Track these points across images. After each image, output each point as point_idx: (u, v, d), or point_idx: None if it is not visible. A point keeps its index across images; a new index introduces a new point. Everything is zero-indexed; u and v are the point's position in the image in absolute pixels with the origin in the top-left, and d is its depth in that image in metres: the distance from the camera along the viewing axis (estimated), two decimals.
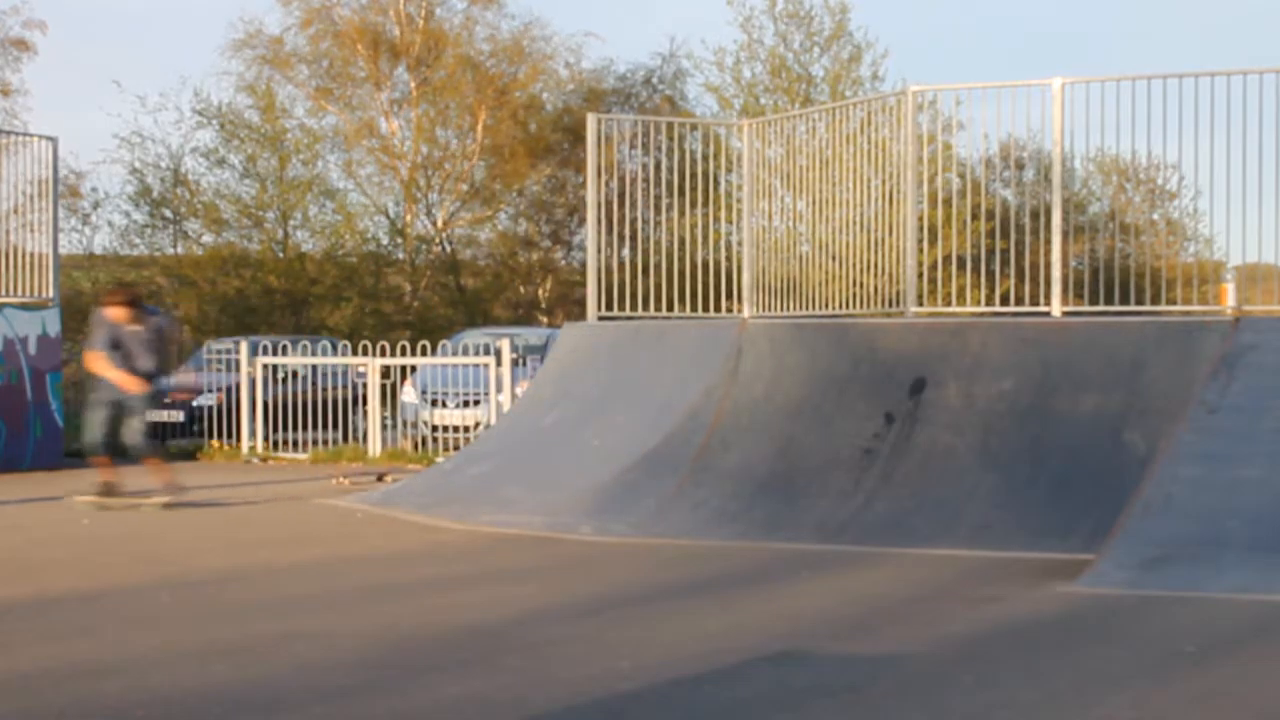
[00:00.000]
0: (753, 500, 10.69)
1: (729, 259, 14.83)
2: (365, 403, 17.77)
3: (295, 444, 17.86)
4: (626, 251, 14.51)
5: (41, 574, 9.06)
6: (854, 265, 13.22)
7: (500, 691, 5.93)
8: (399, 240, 33.85)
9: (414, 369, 18.05)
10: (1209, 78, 11.03)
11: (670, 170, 14.10)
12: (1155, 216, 29.39)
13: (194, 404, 18.70)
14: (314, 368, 18.46)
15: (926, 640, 6.89)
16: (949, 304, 12.94)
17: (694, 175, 14.77)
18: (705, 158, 16.94)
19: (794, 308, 13.35)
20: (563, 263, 35.73)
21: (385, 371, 17.67)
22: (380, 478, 14.63)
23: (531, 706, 5.68)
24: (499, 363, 16.83)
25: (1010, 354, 10.88)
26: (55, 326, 16.84)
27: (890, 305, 12.66)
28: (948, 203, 14.47)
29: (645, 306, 13.74)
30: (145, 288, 31.69)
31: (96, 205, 31.63)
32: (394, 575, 9.03)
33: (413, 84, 33.73)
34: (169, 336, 13.37)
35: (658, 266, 13.96)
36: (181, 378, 17.67)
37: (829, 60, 31.59)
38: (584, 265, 20.57)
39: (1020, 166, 20.26)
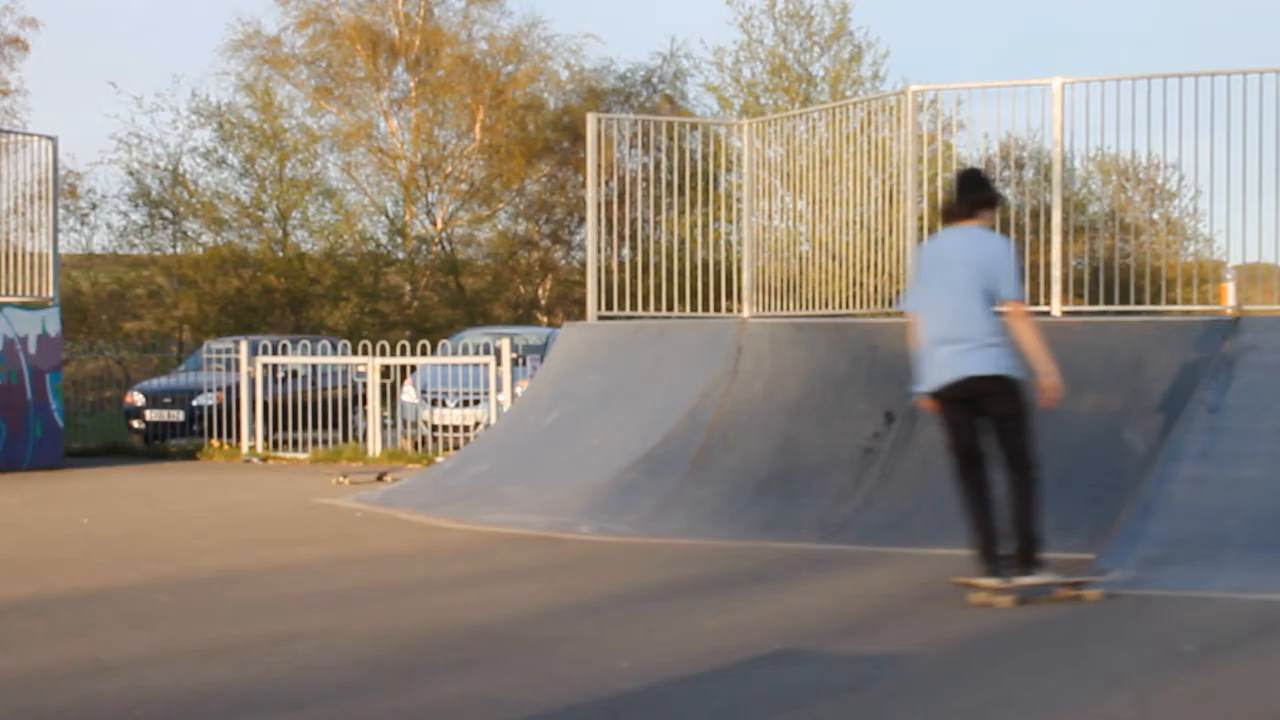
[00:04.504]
0: (753, 500, 10.68)
1: (729, 259, 14.83)
2: (365, 402, 17.77)
3: (295, 444, 17.86)
4: (626, 251, 14.51)
5: (41, 574, 9.06)
6: (854, 265, 13.22)
7: (500, 691, 5.93)
8: (398, 240, 33.85)
9: (414, 369, 18.05)
10: (1209, 78, 11.03)
11: (670, 170, 14.10)
12: (1155, 216, 29.41)
13: (194, 403, 18.73)
14: (314, 367, 18.46)
15: (926, 640, 6.89)
16: None
17: (694, 175, 14.77)
18: (705, 157, 16.95)
19: (794, 307, 13.35)
20: (563, 263, 35.75)
21: (385, 371, 17.67)
22: (380, 477, 14.62)
23: (531, 706, 5.68)
24: (499, 362, 16.83)
25: None
26: (55, 326, 16.84)
27: (890, 305, 12.66)
28: None
29: (645, 306, 13.73)
30: (145, 287, 31.81)
31: (94, 206, 31.67)
32: (394, 575, 9.03)
33: (412, 84, 33.73)
34: None
35: (658, 266, 13.95)
36: None
37: (829, 60, 31.63)
38: (584, 265, 20.57)
39: (1020, 166, 20.26)
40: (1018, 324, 7.72)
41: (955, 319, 7.66)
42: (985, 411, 7.70)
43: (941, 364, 7.70)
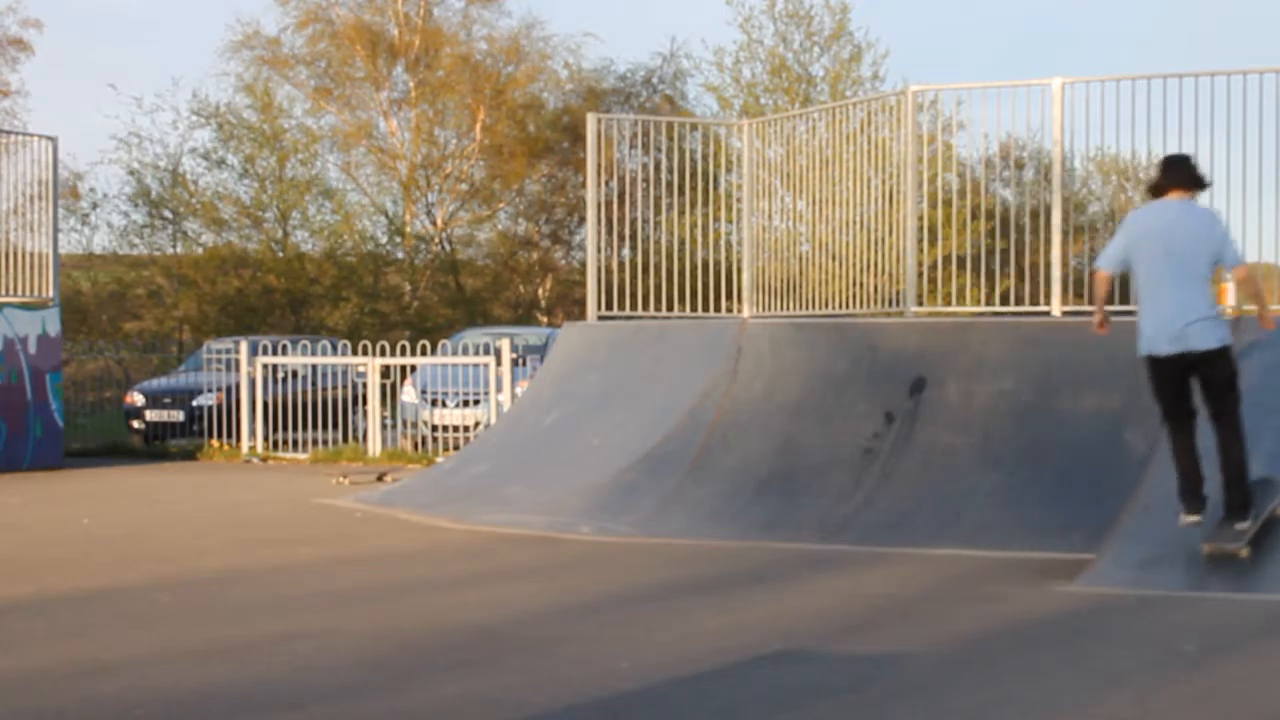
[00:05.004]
0: (753, 500, 10.68)
1: (729, 259, 14.82)
2: (365, 403, 17.77)
3: (295, 444, 17.86)
4: (626, 251, 14.51)
5: (41, 574, 9.06)
6: (854, 265, 13.21)
7: (500, 691, 5.93)
8: (398, 240, 33.83)
9: (414, 369, 18.05)
10: (1209, 78, 11.03)
11: (670, 170, 14.10)
12: None
13: (194, 404, 18.72)
14: (314, 368, 18.46)
15: (927, 640, 6.89)
16: (949, 304, 12.93)
17: (694, 175, 14.76)
18: (705, 157, 16.94)
19: (794, 307, 13.34)
20: (563, 263, 35.74)
21: (385, 371, 17.66)
22: (380, 478, 14.62)
23: (531, 706, 5.68)
24: (499, 363, 16.83)
25: (1010, 353, 10.87)
26: (55, 326, 16.84)
27: (890, 305, 12.66)
28: (948, 203, 14.48)
29: (645, 306, 13.73)
30: (145, 287, 31.81)
31: (95, 206, 31.65)
32: (394, 575, 9.03)
33: (412, 84, 33.71)
34: None
35: (658, 266, 13.95)
36: None
37: (829, 60, 31.58)
38: (584, 265, 20.56)
39: (1020, 166, 20.26)
40: (1246, 284, 8.53)
41: (1179, 291, 8.15)
42: (1199, 376, 8.25)
43: (1163, 333, 8.18)
